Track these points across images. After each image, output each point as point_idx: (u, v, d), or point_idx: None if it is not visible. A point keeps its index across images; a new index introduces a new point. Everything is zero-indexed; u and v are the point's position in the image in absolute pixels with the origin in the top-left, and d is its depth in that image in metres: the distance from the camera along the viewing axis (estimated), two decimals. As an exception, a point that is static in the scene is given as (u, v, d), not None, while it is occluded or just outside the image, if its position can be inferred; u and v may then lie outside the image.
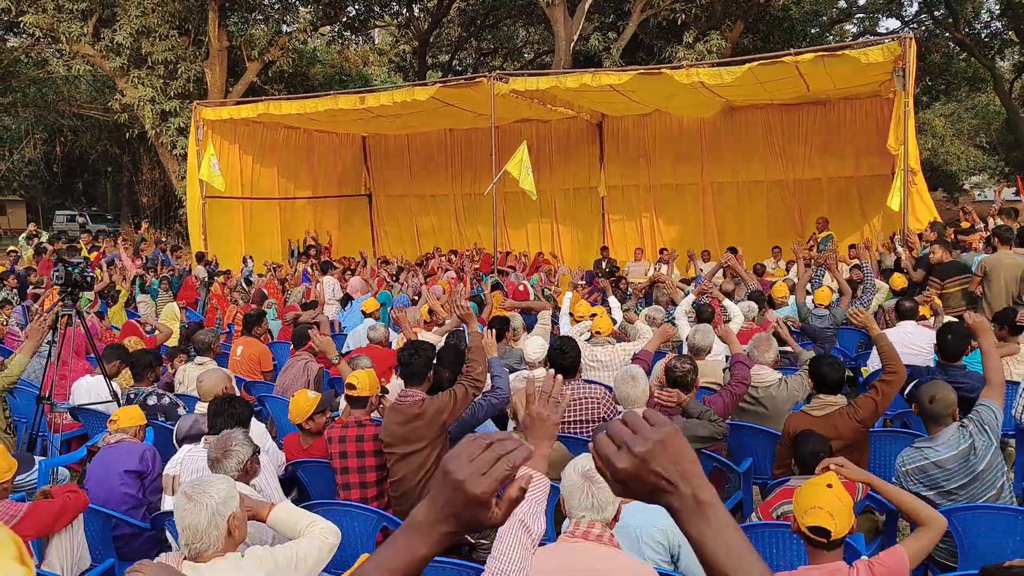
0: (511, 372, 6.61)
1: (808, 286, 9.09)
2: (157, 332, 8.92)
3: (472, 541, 4.53)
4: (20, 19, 21.58)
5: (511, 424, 6.26)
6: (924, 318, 7.81)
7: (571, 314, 8.04)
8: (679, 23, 21.38)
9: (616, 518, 2.96)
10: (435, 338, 7.36)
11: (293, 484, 5.27)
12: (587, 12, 24.13)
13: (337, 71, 31.53)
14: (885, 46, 11.14)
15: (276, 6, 24.47)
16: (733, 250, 15.91)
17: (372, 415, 4.81)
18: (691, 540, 1.32)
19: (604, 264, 17.01)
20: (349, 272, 14.26)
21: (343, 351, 7.80)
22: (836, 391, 4.82)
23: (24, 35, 24.85)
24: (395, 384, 5.84)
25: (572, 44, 20.37)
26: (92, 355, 6.57)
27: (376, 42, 37.59)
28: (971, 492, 4.16)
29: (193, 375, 6.84)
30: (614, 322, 7.99)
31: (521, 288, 11.29)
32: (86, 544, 4.14)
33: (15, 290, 12.09)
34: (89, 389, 6.36)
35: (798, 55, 11.70)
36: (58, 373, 6.31)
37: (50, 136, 34.00)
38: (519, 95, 13.81)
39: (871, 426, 4.87)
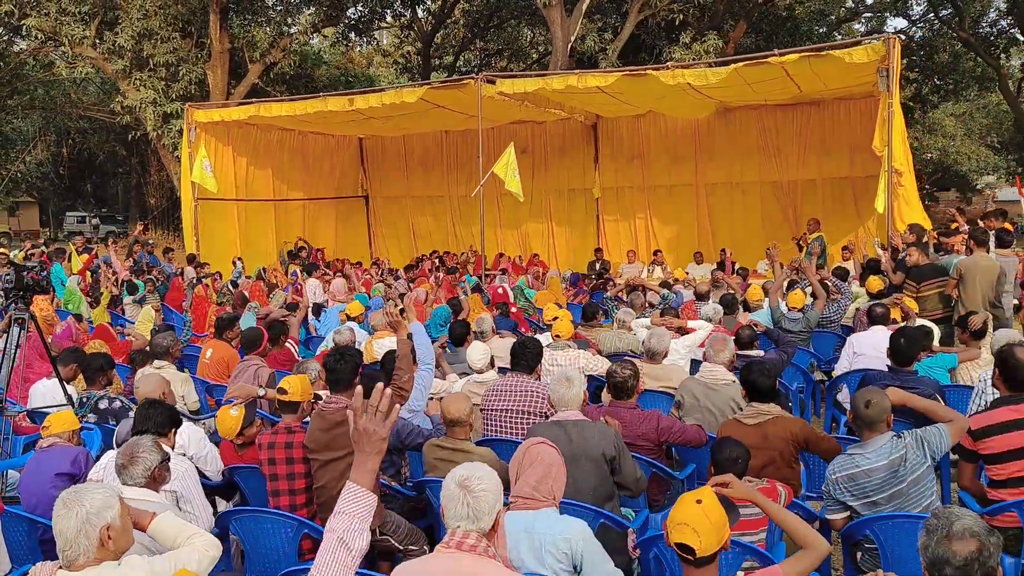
0: (464, 376, 6.62)
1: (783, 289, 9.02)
2: (132, 338, 8.94)
3: (401, 548, 4.52)
4: (23, 22, 21.74)
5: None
6: (895, 322, 7.73)
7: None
8: (676, 23, 21.26)
9: (494, 528, 2.93)
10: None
11: (234, 489, 5.27)
12: (589, 13, 24.15)
13: (342, 72, 31.64)
14: (869, 46, 11.03)
15: (278, 8, 24.55)
16: (723, 251, 16.00)
17: (304, 421, 4.80)
18: None
19: (597, 265, 16.99)
20: (339, 274, 14.29)
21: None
22: (768, 399, 4.76)
23: (30, 38, 25.04)
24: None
25: (570, 45, 20.30)
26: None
27: (383, 43, 37.66)
28: (897, 505, 4.10)
29: (152, 379, 6.87)
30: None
31: (500, 291, 11.28)
32: (4, 548, 4.14)
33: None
34: (45, 393, 6.39)
35: (783, 55, 11.62)
36: (15, 376, 6.32)
37: (58, 138, 34.29)
38: (507, 97, 13.75)
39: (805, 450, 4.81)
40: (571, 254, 18.50)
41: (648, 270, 15.95)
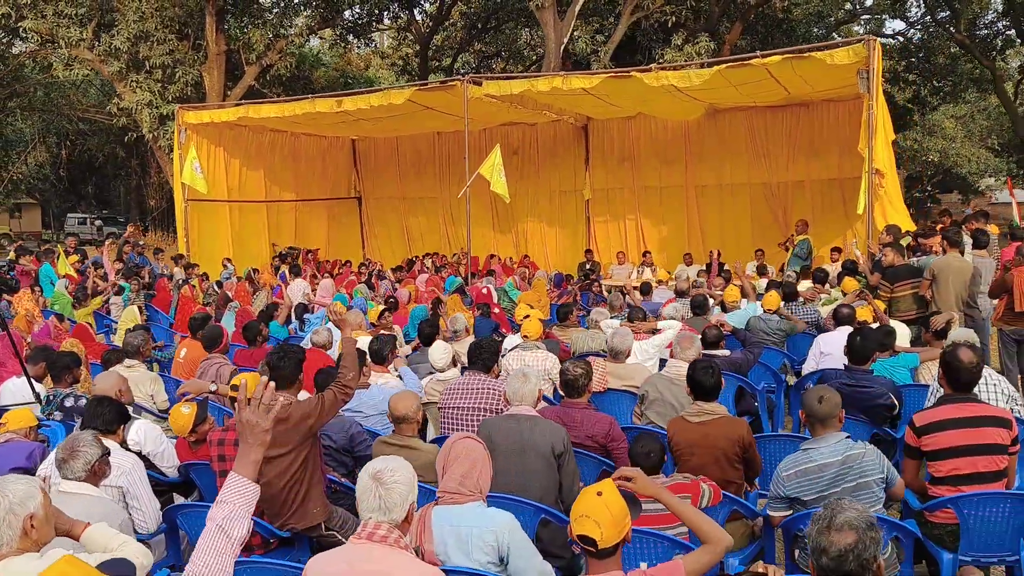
0: (428, 375, 6.68)
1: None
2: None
3: (324, 533, 4.58)
4: (19, 24, 21.86)
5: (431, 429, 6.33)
6: (865, 323, 7.74)
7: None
8: (669, 25, 21.30)
9: (408, 520, 2.98)
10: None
11: (193, 485, 5.34)
12: (583, 14, 24.19)
13: (341, 74, 31.74)
14: (850, 48, 11.05)
15: (274, 10, 24.63)
16: (712, 253, 16.02)
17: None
18: None
19: (587, 267, 17.05)
20: (327, 275, 14.37)
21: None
22: (711, 398, 4.80)
23: (29, 41, 25.17)
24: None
25: (562, 47, 20.35)
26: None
27: (381, 45, 37.75)
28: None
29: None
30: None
31: (484, 291, 11.33)
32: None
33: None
34: (15, 391, 6.45)
35: (765, 57, 11.67)
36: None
37: (58, 140, 34.47)
38: (494, 99, 13.80)
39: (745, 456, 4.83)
40: (562, 255, 18.54)
41: (638, 271, 16.01)
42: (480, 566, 3.43)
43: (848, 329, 7.39)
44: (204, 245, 16.54)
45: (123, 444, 4.88)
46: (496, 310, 10.80)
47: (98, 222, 40.55)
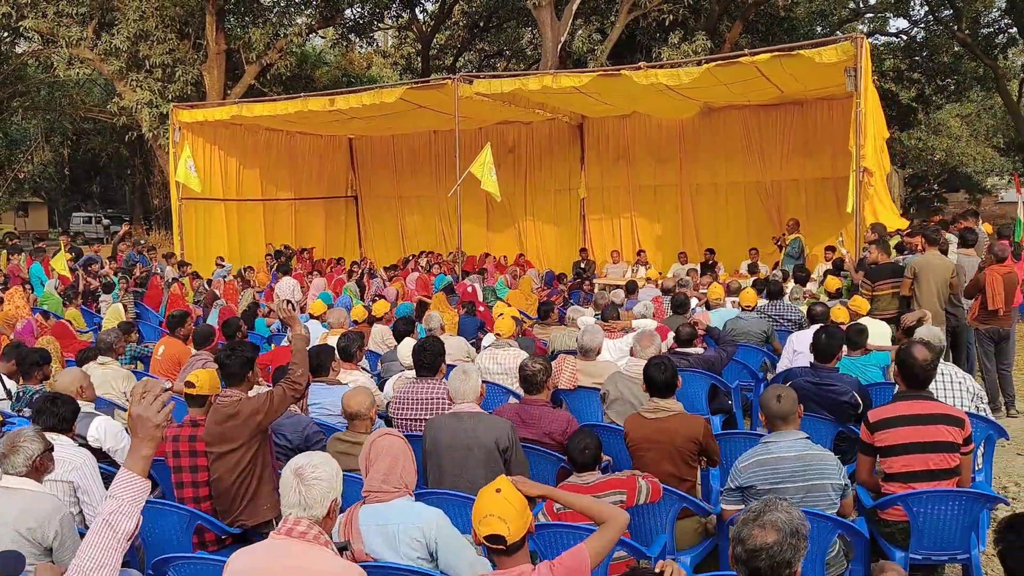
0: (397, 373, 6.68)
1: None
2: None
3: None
4: (20, 24, 21.97)
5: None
6: (840, 323, 7.68)
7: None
8: (667, 23, 21.27)
9: (330, 516, 2.99)
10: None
11: (155, 481, 5.35)
12: (583, 14, 24.18)
13: (343, 73, 31.78)
14: (838, 47, 11.01)
15: (274, 9, 24.68)
16: (711, 251, 16.02)
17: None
18: None
19: (582, 265, 17.05)
20: (320, 274, 14.40)
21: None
22: (667, 394, 4.79)
23: (31, 41, 25.30)
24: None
25: (559, 46, 20.34)
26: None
27: (385, 44, 37.79)
28: (800, 500, 4.09)
29: (96, 375, 6.96)
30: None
31: (470, 290, 11.34)
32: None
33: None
34: (-12, 387, 6.49)
35: (754, 55, 11.66)
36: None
37: (62, 139, 34.63)
38: (485, 97, 13.81)
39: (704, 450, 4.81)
40: (557, 254, 18.54)
41: (632, 270, 16.01)
42: (410, 562, 3.43)
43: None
44: (201, 244, 16.60)
45: (81, 440, 4.91)
46: (481, 308, 10.80)
47: (105, 221, 40.72)
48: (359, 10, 26.83)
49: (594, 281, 15.49)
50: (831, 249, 13.93)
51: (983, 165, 39.77)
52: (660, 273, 15.17)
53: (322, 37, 29.11)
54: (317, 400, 5.85)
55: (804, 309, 9.19)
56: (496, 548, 2.81)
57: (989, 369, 8.30)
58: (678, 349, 7.08)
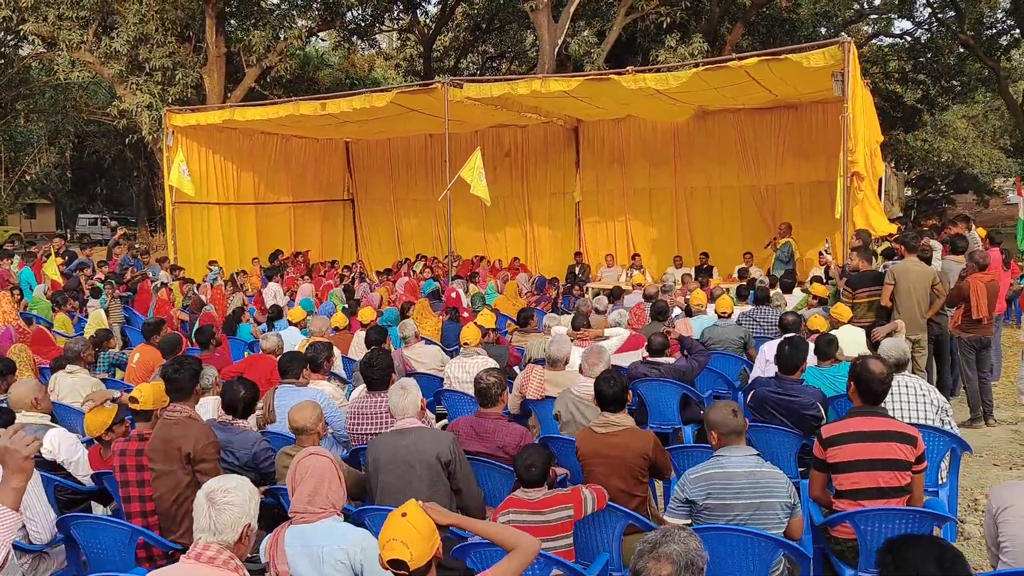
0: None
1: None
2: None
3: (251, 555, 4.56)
4: (21, 27, 22.06)
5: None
6: (815, 332, 7.58)
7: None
8: (664, 26, 21.20)
9: (243, 541, 2.96)
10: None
11: (109, 494, 5.34)
12: (585, 16, 24.14)
13: (345, 76, 31.78)
14: (826, 51, 10.97)
15: (274, 12, 24.70)
16: (705, 255, 15.96)
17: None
18: None
19: (577, 269, 17.01)
20: (308, 278, 14.39)
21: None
22: (617, 408, 4.73)
23: (34, 44, 25.39)
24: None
25: (556, 49, 20.31)
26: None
27: (388, 47, 37.83)
28: (747, 518, 4.04)
29: (64, 383, 6.98)
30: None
31: (454, 296, 11.30)
32: None
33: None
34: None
35: (742, 59, 11.62)
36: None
37: (66, 141, 34.77)
38: (475, 101, 13.77)
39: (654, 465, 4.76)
40: (552, 258, 18.50)
41: (627, 274, 15.94)
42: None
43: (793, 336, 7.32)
44: (197, 248, 16.62)
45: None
46: (465, 314, 10.74)
47: (113, 223, 40.82)
48: (360, 13, 26.85)
49: (588, 285, 15.42)
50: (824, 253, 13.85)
51: (990, 166, 39.55)
52: (650, 279, 15.08)
53: (324, 40, 29.09)
54: (286, 401, 5.82)
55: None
56: (399, 574, 2.77)
57: (971, 378, 8.22)
58: (650, 359, 7.03)
